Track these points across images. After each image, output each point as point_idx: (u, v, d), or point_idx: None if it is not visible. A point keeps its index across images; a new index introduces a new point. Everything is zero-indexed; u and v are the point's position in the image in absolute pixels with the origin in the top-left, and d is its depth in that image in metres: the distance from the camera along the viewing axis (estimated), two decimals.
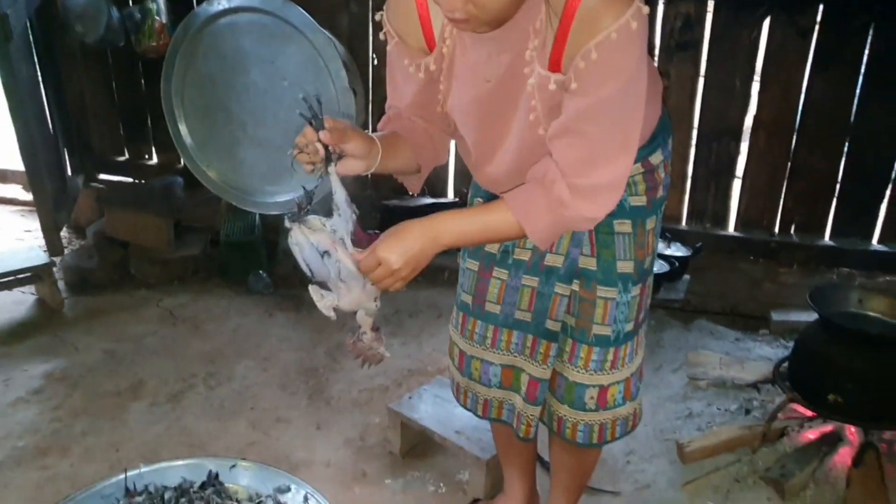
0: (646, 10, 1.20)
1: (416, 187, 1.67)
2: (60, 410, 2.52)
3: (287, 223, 1.39)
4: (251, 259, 3.67)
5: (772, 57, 3.11)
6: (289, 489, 1.79)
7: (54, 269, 3.24)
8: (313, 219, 1.39)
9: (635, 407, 1.73)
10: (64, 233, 3.82)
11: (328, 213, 1.40)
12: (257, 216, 3.76)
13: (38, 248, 3.36)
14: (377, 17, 1.47)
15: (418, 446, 2.40)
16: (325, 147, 1.32)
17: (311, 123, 1.31)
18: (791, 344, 3.06)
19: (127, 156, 4.25)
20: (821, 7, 2.97)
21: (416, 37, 1.42)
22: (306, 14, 2.96)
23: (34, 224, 4.17)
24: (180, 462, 1.86)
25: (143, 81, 4.02)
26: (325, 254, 1.38)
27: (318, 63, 3.00)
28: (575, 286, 1.59)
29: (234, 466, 1.85)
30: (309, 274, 1.42)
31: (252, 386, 2.73)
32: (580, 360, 1.63)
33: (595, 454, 1.88)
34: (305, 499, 1.76)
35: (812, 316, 3.10)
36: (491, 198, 1.63)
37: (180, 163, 4.10)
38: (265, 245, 3.71)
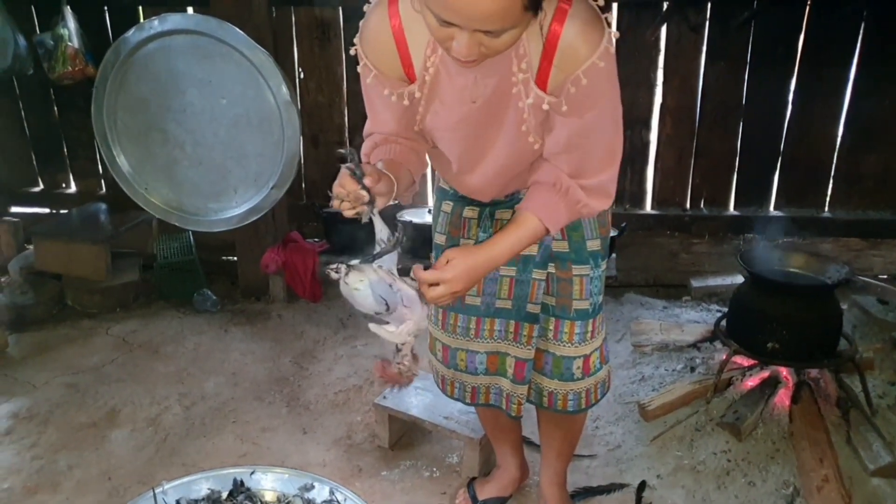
0: (616, 34, 1.38)
1: (409, 198, 1.78)
2: (38, 448, 2.47)
3: (340, 273, 1.48)
4: (191, 279, 3.66)
5: (671, 51, 3.45)
6: (313, 487, 1.87)
7: None
8: (362, 263, 1.50)
9: (608, 369, 1.93)
10: None
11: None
12: (191, 236, 3.76)
13: None
14: (351, 52, 1.53)
15: (404, 437, 2.53)
16: (368, 192, 1.41)
17: (353, 174, 1.40)
18: (713, 307, 3.47)
19: (42, 186, 4.12)
20: (709, 5, 3.34)
21: (394, 68, 1.49)
22: (241, 32, 3.01)
23: None
24: (200, 475, 1.89)
25: (55, 109, 3.91)
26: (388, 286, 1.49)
27: (257, 80, 3.06)
28: (551, 269, 1.76)
29: (253, 473, 1.92)
30: (373, 312, 1.51)
31: (228, 401, 2.77)
32: (565, 335, 1.80)
33: (583, 418, 2.07)
34: (331, 493, 1.85)
35: (729, 279, 3.52)
36: (458, 200, 1.80)
37: (102, 189, 4.04)
38: (201, 264, 3.71)
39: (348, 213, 1.44)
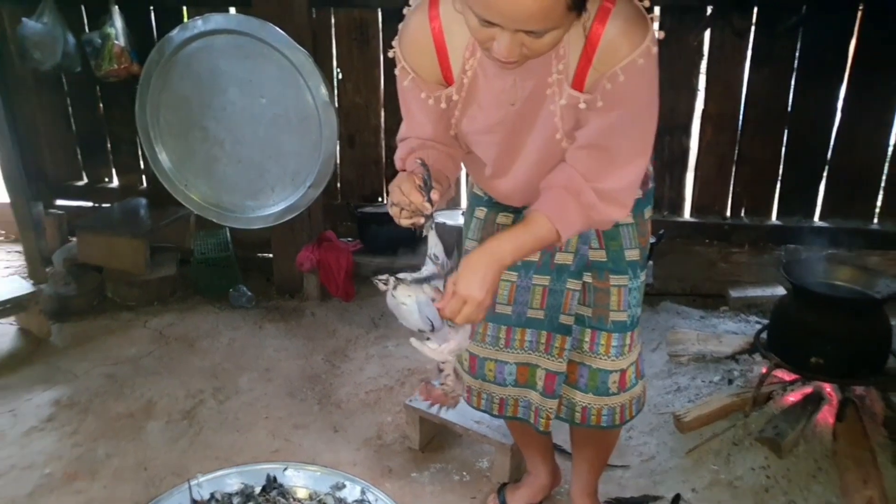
0: (661, 34, 1.34)
1: (444, 203, 1.75)
2: (78, 436, 2.52)
3: (389, 285, 1.44)
4: (227, 275, 3.71)
5: (714, 56, 3.39)
6: (344, 486, 1.88)
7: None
8: (412, 282, 1.46)
9: (644, 384, 1.88)
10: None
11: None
12: (228, 232, 3.80)
13: (18, 277, 3.30)
14: (389, 54, 1.51)
15: (435, 440, 2.52)
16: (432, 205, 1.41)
17: (423, 187, 1.39)
18: (751, 318, 3.39)
19: (86, 180, 4.20)
20: (755, 9, 3.27)
21: (432, 71, 1.47)
22: (283, 33, 3.04)
23: None
24: (234, 469, 1.91)
25: (101, 105, 3.99)
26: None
27: (296, 80, 3.08)
28: (587, 278, 1.72)
29: (286, 469, 1.93)
30: (416, 329, 1.48)
31: (261, 397, 2.79)
32: (601, 347, 1.75)
33: (617, 433, 2.03)
34: (363, 492, 1.85)
35: (769, 290, 3.44)
36: (492, 206, 1.78)
37: (143, 184, 4.12)
38: (238, 260, 3.75)
39: (404, 223, 1.44)
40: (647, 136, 1.44)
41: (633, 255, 1.72)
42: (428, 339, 1.50)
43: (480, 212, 1.82)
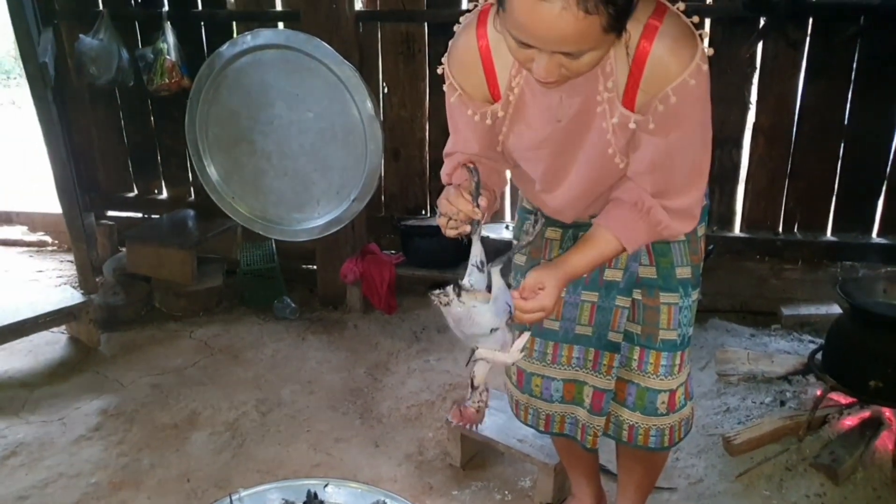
0: (710, 51, 1.32)
1: (490, 216, 1.75)
2: (124, 445, 2.56)
3: (450, 296, 1.39)
4: (272, 287, 3.74)
5: (767, 68, 3.31)
6: (385, 503, 1.87)
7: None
8: (467, 288, 1.43)
9: (692, 406, 1.83)
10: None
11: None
12: (274, 244, 3.84)
13: (70, 287, 3.38)
14: (438, 70, 1.52)
15: (477, 457, 2.49)
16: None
17: (474, 195, 1.40)
18: (804, 337, 3.28)
19: (136, 192, 4.29)
20: (811, 20, 3.18)
21: (479, 88, 1.48)
22: (329, 47, 3.07)
23: (44, 264, 4.22)
24: (275, 484, 1.92)
25: (152, 119, 4.08)
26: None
27: (342, 94, 3.11)
28: (637, 295, 1.69)
29: (327, 486, 1.92)
30: (491, 328, 1.43)
31: (303, 409, 2.80)
32: (650, 366, 1.71)
33: (665, 455, 1.98)
34: None
35: (823, 308, 3.33)
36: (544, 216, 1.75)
37: (191, 196, 4.19)
38: (282, 272, 3.79)
39: (451, 233, 1.44)
40: (707, 153, 1.45)
41: (684, 272, 1.68)
42: (488, 344, 1.46)
43: (529, 226, 1.80)
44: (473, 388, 1.53)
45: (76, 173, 3.85)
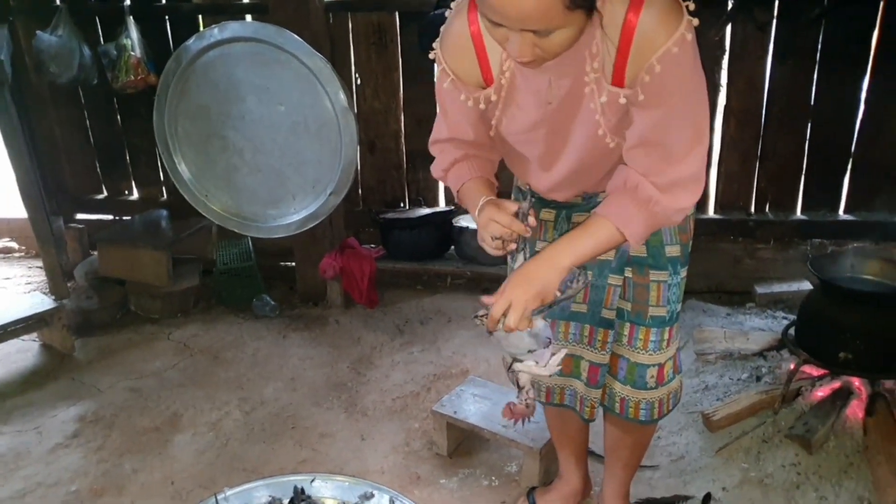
0: (695, 22, 1.33)
1: None
2: (104, 451, 2.52)
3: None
4: (250, 285, 3.70)
5: (736, 51, 3.34)
6: (372, 495, 1.86)
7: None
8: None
9: (680, 380, 1.87)
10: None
11: None
12: (250, 242, 3.81)
13: (40, 293, 3.32)
14: (431, 56, 1.55)
15: (462, 445, 2.50)
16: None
17: (524, 215, 1.49)
18: (778, 314, 3.34)
19: (106, 193, 4.22)
20: (777, 2, 3.22)
21: (472, 72, 1.51)
22: (300, 39, 3.03)
23: (11, 271, 4.14)
24: (261, 482, 1.90)
25: (119, 117, 4.01)
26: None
27: (314, 86, 3.08)
28: (628, 273, 1.72)
29: (313, 480, 1.91)
30: (532, 348, 1.55)
31: (287, 406, 2.78)
32: (639, 342, 1.76)
33: (652, 429, 2.03)
34: (391, 501, 1.83)
35: (795, 286, 3.39)
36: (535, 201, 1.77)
37: (163, 196, 4.13)
38: (260, 269, 3.75)
39: (498, 253, 1.52)
40: (701, 124, 1.43)
41: (673, 251, 1.71)
42: (527, 360, 1.57)
43: (523, 204, 1.83)
44: (520, 389, 1.62)
45: (42, 176, 3.77)
